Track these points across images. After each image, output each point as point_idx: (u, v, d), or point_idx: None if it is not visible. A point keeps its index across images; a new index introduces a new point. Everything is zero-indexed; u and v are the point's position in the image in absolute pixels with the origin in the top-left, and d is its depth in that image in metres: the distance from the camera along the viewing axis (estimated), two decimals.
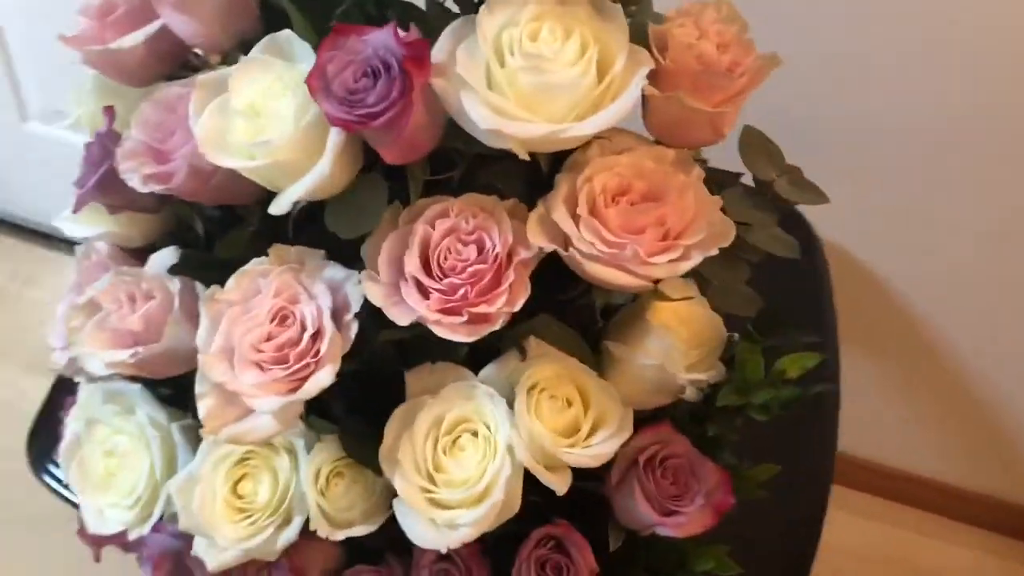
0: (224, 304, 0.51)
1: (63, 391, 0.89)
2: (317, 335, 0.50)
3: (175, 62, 0.60)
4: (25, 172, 1.66)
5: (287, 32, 0.49)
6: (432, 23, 0.53)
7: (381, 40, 0.45)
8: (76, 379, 0.71)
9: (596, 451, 0.51)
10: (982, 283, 1.17)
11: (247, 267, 0.52)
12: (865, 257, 1.21)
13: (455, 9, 0.55)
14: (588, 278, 0.49)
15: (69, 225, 0.65)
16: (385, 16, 0.54)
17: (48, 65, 1.48)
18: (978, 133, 1.02)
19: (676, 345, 0.52)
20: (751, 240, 0.55)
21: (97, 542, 0.71)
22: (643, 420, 0.56)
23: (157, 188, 0.52)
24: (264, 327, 0.50)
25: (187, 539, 0.64)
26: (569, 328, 0.53)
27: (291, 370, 0.49)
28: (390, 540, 0.60)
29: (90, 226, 0.64)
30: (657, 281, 0.49)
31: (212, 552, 0.57)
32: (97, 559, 0.73)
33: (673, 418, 0.57)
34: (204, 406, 0.50)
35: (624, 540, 0.58)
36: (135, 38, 0.57)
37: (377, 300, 0.48)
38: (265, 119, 0.48)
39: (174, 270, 0.55)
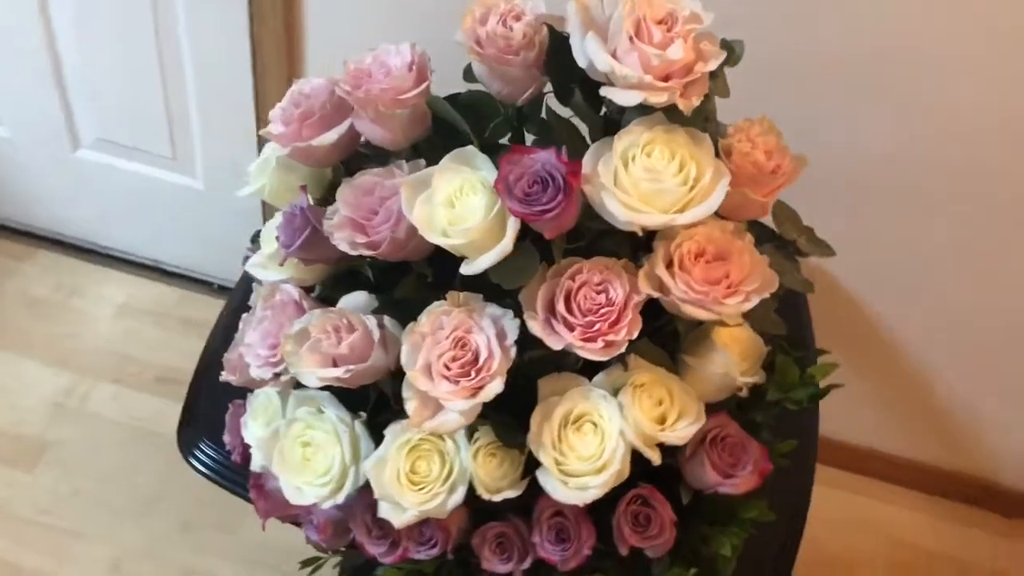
0: (419, 335, 0.72)
1: (203, 395, 1.09)
2: (490, 356, 0.71)
3: (349, 151, 0.81)
4: (74, 195, 1.82)
5: (471, 148, 0.70)
6: (556, 131, 0.75)
7: (545, 158, 0.66)
8: (247, 388, 0.91)
9: (681, 433, 0.73)
10: (934, 292, 1.43)
11: (431, 308, 0.73)
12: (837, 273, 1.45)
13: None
14: (680, 314, 0.71)
15: (259, 272, 0.85)
16: (523, 126, 0.75)
17: (100, 97, 1.65)
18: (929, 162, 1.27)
19: (734, 358, 0.74)
20: (781, 281, 0.78)
21: (267, 514, 0.92)
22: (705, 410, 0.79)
23: (365, 252, 0.73)
24: (450, 351, 0.71)
25: (345, 511, 0.85)
26: (659, 348, 0.75)
27: (473, 381, 0.71)
28: (511, 504, 0.81)
29: (276, 272, 0.84)
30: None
31: (395, 513, 0.78)
32: (263, 528, 0.93)
33: (726, 409, 0.80)
34: (410, 407, 0.71)
35: (691, 498, 0.80)
36: (330, 137, 0.77)
37: (537, 332, 0.69)
38: (459, 210, 0.68)
39: (377, 311, 0.76)
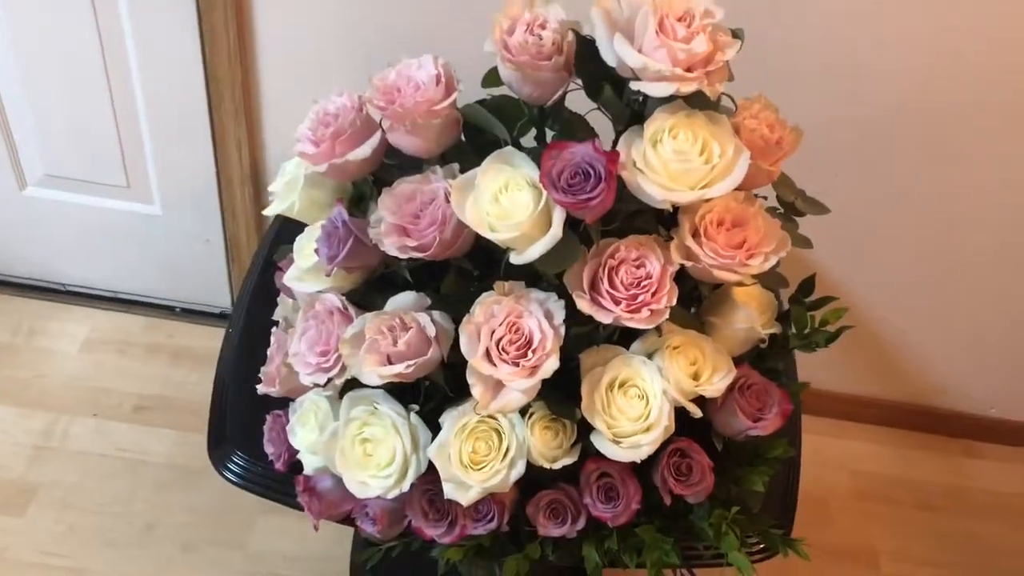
0: (474, 326, 0.78)
1: (225, 414, 1.12)
2: (543, 337, 0.78)
3: (378, 163, 0.86)
4: (25, 235, 1.80)
5: (510, 148, 0.76)
6: (574, 126, 0.82)
7: (584, 151, 0.73)
8: (287, 397, 0.95)
9: (718, 385, 0.82)
10: (873, 241, 1.55)
11: (482, 299, 0.79)
12: None
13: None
14: (708, 279, 0.78)
15: (296, 284, 0.89)
16: (546, 123, 0.81)
17: (47, 133, 1.64)
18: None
19: (754, 314, 0.83)
20: None
21: (321, 514, 0.96)
22: None
23: (416, 255, 0.78)
24: (506, 336, 0.78)
25: (401, 499, 0.90)
26: (688, 311, 0.83)
27: (531, 361, 0.77)
28: (559, 473, 0.88)
29: (313, 284, 0.89)
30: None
31: (460, 493, 0.84)
32: (316, 528, 0.98)
33: (746, 360, 0.88)
34: (476, 392, 0.77)
35: (722, 446, 0.88)
36: (364, 151, 0.82)
37: (586, 309, 0.76)
38: (505, 205, 0.75)
39: (432, 307, 0.81)
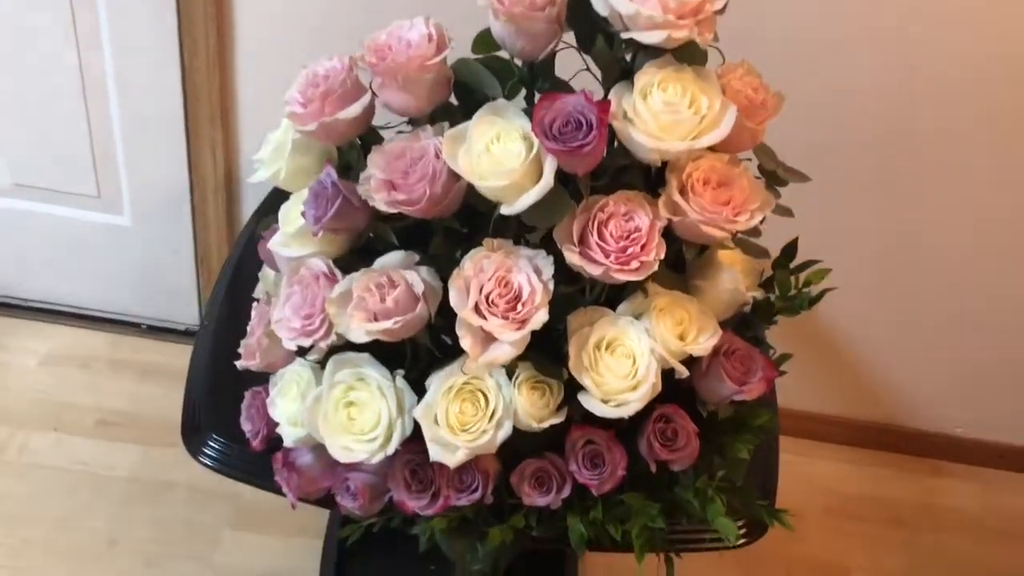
0: (463, 280, 0.78)
1: (198, 405, 1.11)
2: (532, 291, 0.78)
3: (366, 126, 0.86)
4: None
5: (502, 100, 0.77)
6: (560, 86, 0.83)
7: (576, 101, 0.74)
8: (266, 372, 0.94)
9: (705, 345, 0.82)
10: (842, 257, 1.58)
11: (472, 254, 0.79)
12: None
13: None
14: (695, 236, 0.79)
15: (282, 250, 0.89)
16: (535, 83, 0.83)
17: (15, 142, 1.63)
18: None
19: (739, 276, 0.84)
20: None
21: (300, 489, 0.94)
22: None
23: (404, 209, 0.79)
24: (496, 289, 0.78)
25: (380, 474, 0.89)
26: (673, 272, 0.84)
27: (520, 314, 0.77)
28: (545, 443, 0.87)
29: (300, 248, 0.88)
30: (733, 234, 0.81)
31: (446, 455, 0.83)
32: (293, 507, 0.96)
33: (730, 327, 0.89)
34: (466, 344, 0.77)
35: (704, 418, 0.89)
36: (355, 110, 0.82)
37: (576, 262, 0.77)
38: (497, 155, 0.75)
39: (420, 263, 0.81)
